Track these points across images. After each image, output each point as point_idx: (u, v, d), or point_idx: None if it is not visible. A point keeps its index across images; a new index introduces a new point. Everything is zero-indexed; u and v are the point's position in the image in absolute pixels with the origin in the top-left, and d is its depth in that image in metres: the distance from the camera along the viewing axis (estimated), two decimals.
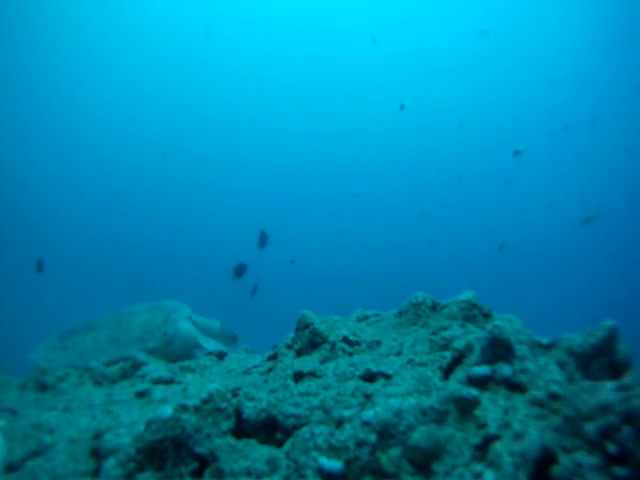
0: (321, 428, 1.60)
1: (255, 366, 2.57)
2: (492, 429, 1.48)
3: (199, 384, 2.61)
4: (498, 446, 1.40)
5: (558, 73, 23.31)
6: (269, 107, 27.61)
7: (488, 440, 1.46)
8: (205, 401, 1.72)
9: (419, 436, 1.50)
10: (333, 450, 1.51)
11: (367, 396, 1.76)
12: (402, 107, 7.81)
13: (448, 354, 1.95)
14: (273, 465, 1.53)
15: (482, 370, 1.72)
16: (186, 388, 2.58)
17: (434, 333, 2.18)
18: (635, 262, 21.80)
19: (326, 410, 1.72)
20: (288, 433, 1.71)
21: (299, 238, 25.23)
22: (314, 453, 1.51)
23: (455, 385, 1.70)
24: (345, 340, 2.26)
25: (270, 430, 1.76)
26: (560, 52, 22.42)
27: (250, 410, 1.79)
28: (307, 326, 2.36)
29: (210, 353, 3.51)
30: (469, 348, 1.91)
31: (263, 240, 4.42)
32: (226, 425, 1.73)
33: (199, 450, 1.57)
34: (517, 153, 7.46)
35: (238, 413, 1.79)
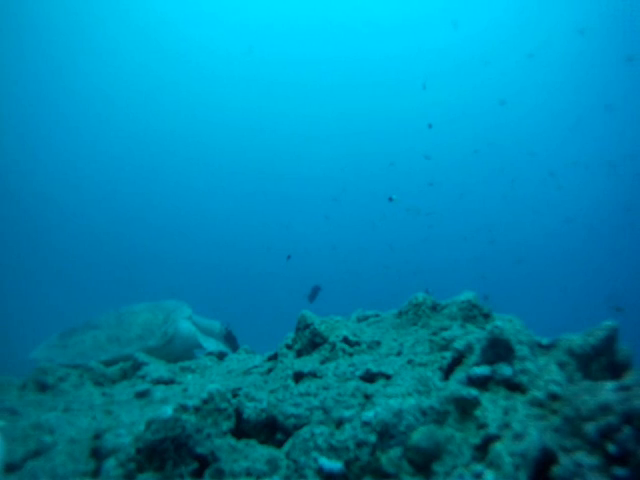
0: (321, 428, 1.60)
1: (255, 366, 2.58)
2: (492, 429, 1.48)
3: (199, 384, 2.61)
4: (498, 446, 1.40)
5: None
6: (269, 108, 27.60)
7: (488, 440, 1.46)
8: (205, 401, 1.72)
9: (419, 436, 1.50)
10: (333, 450, 1.51)
11: (367, 396, 1.76)
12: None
13: (448, 354, 1.95)
14: (273, 465, 1.53)
15: (482, 370, 1.72)
16: (186, 388, 2.58)
17: (434, 333, 2.18)
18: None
19: (326, 410, 1.72)
20: (288, 433, 1.71)
21: (299, 238, 25.23)
22: (314, 453, 1.51)
23: (455, 385, 1.70)
24: (345, 340, 2.26)
25: (270, 430, 1.76)
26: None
27: (250, 410, 1.79)
28: (307, 326, 2.36)
29: (210, 353, 3.51)
30: (469, 348, 1.91)
31: (233, 343, 4.18)
32: (226, 425, 1.73)
33: (199, 450, 1.57)
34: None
35: (238, 413, 1.79)
